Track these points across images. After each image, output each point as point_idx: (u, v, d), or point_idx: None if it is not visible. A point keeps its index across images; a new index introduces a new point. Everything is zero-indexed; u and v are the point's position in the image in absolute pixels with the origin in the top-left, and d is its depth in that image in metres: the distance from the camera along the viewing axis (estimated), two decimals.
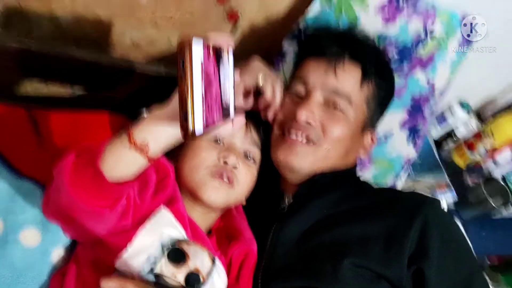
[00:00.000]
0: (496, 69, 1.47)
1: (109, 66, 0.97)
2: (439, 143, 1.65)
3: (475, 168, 1.55)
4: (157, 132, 0.62)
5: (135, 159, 0.63)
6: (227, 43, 0.62)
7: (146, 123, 0.63)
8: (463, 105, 1.56)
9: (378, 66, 0.89)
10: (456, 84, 1.42)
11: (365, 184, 0.94)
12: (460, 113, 1.56)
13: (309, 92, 0.87)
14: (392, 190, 1.00)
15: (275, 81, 0.85)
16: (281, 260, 0.80)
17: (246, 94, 0.87)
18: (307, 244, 0.80)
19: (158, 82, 1.02)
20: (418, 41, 1.03)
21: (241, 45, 1.14)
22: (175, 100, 0.61)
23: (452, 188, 1.46)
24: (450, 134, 1.61)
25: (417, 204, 0.79)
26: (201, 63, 0.51)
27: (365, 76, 0.87)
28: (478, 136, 1.55)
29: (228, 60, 0.62)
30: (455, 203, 1.48)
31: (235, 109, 0.67)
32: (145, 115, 0.91)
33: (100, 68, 0.97)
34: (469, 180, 1.54)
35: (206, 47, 0.53)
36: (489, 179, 1.48)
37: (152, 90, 1.04)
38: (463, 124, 1.58)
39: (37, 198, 0.83)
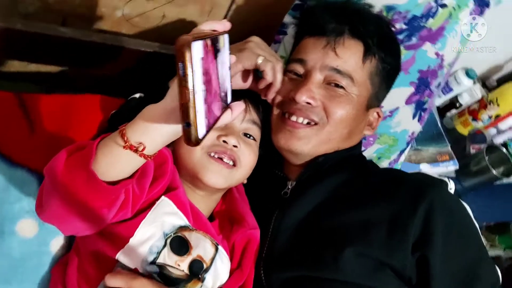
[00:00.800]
0: (502, 37, 1.42)
1: (99, 42, 0.91)
2: (441, 110, 1.62)
3: (475, 135, 1.53)
4: (152, 131, 0.58)
5: (130, 159, 0.59)
6: (224, 28, 0.58)
7: (140, 122, 0.58)
8: (469, 73, 1.51)
9: (381, 39, 0.85)
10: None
11: (370, 165, 0.91)
12: (465, 81, 1.52)
13: (308, 73, 0.83)
14: (397, 172, 0.97)
15: (275, 62, 0.80)
16: (282, 248, 0.79)
17: (245, 76, 0.83)
18: (309, 231, 0.79)
19: (151, 58, 0.96)
20: (428, 11, 0.97)
21: (239, 18, 1.07)
22: (170, 98, 0.57)
23: (454, 158, 1.45)
24: (453, 102, 1.58)
25: (422, 188, 0.77)
26: (201, 60, 0.47)
27: (367, 52, 0.83)
28: (483, 104, 1.52)
29: (224, 44, 0.58)
30: (457, 172, 1.48)
31: (232, 93, 0.63)
32: (136, 96, 0.88)
33: (90, 44, 0.91)
34: (471, 148, 1.52)
35: (204, 40, 0.49)
36: (491, 148, 1.47)
37: (144, 66, 1.00)
38: (468, 91, 1.55)
39: (32, 187, 0.81)
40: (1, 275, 0.76)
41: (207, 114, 0.49)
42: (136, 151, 0.58)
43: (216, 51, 0.54)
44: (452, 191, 0.81)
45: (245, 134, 0.82)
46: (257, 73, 0.84)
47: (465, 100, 1.55)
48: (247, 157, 0.80)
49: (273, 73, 0.80)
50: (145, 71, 0.99)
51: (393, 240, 0.73)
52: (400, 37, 0.99)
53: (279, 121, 0.85)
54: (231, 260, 0.79)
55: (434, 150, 1.44)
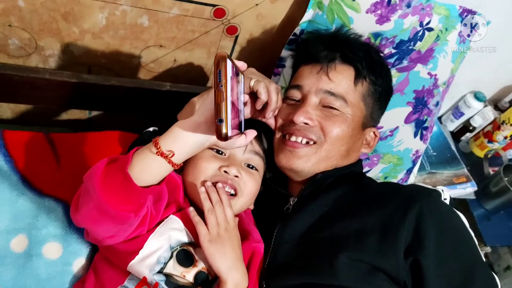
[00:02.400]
0: (508, 58, 1.45)
1: (117, 85, 1.03)
2: (455, 135, 1.63)
3: (495, 157, 1.53)
4: (181, 141, 0.68)
5: (161, 166, 0.69)
6: (242, 66, 0.70)
7: (172, 133, 0.69)
8: (477, 96, 1.54)
9: (370, 64, 0.91)
10: (469, 75, 1.42)
11: (368, 180, 0.95)
12: (475, 104, 1.54)
13: (305, 96, 0.90)
14: (391, 183, 0.99)
15: (268, 83, 0.86)
16: (283, 258, 0.83)
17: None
18: (307, 242, 0.82)
19: (163, 96, 1.07)
20: (415, 35, 1.04)
21: (242, 56, 1.18)
22: (198, 114, 0.68)
23: (472, 179, 1.44)
24: (466, 126, 1.60)
25: (413, 195, 0.80)
26: (231, 78, 0.59)
27: (358, 75, 0.89)
28: (496, 125, 1.53)
29: (241, 80, 0.70)
30: (477, 194, 1.46)
31: (245, 123, 0.74)
32: (150, 129, 0.97)
33: (110, 88, 1.03)
34: (489, 170, 1.51)
35: (233, 64, 0.61)
36: (509, 166, 1.45)
37: (157, 104, 1.11)
38: (480, 114, 1.57)
39: (58, 214, 0.89)
40: None
41: (232, 121, 0.60)
42: (166, 157, 0.68)
43: (237, 81, 0.66)
44: (447, 201, 0.83)
45: (248, 165, 0.87)
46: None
47: (478, 122, 1.56)
48: (248, 186, 0.85)
49: (267, 92, 0.84)
50: (158, 107, 1.09)
51: (384, 245, 0.75)
52: (391, 60, 1.06)
53: (280, 143, 0.91)
54: None
55: (450, 173, 1.45)
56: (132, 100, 1.08)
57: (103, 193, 0.66)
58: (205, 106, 0.68)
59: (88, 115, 1.24)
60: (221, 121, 0.57)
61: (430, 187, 0.84)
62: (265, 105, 0.86)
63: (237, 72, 0.66)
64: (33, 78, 0.97)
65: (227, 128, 0.57)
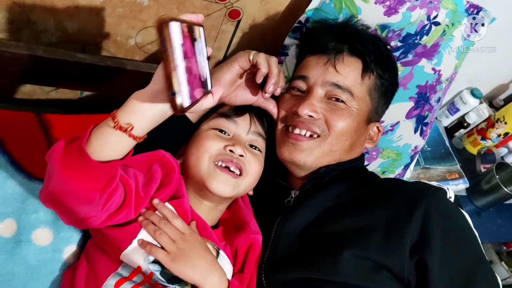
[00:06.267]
0: (507, 55, 1.45)
1: (113, 67, 0.98)
2: (450, 131, 1.64)
3: (487, 154, 1.54)
4: (140, 112, 0.63)
5: (121, 140, 0.64)
6: (197, 19, 0.64)
7: (129, 105, 0.64)
8: (474, 92, 1.54)
9: (379, 57, 0.89)
10: (466, 72, 1.41)
11: (371, 175, 0.93)
12: (471, 100, 1.54)
13: (311, 88, 0.87)
14: (396, 180, 0.98)
15: (268, 56, 0.83)
16: (283, 252, 0.81)
17: (242, 75, 0.86)
18: (309, 236, 0.81)
19: None
20: (422, 29, 1.02)
21: (244, 42, 1.14)
22: (155, 80, 0.63)
23: (464, 176, 1.45)
24: (461, 122, 1.60)
25: (419, 193, 0.79)
26: (180, 40, 0.53)
27: (365, 69, 0.87)
28: (490, 122, 1.53)
29: (199, 35, 0.64)
30: (468, 191, 1.47)
31: (211, 80, 0.69)
32: None
33: (105, 69, 0.98)
34: (481, 167, 1.52)
35: (181, 25, 0.55)
36: (501, 165, 1.46)
37: None
38: (475, 111, 1.57)
39: None
40: (19, 281, 0.79)
41: (190, 88, 0.55)
42: (125, 131, 0.63)
43: (193, 39, 0.60)
44: (452, 199, 0.82)
45: (251, 146, 0.86)
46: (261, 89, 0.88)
47: (473, 119, 1.56)
48: (253, 166, 0.84)
49: (266, 63, 0.81)
50: None
51: (389, 243, 0.74)
52: (396, 54, 1.04)
53: (283, 135, 0.89)
54: (234, 264, 0.82)
55: (444, 169, 1.45)
56: (129, 82, 1.04)
57: (63, 171, 0.62)
58: (160, 72, 0.62)
59: (79, 95, 1.20)
60: (173, 94, 0.52)
61: (435, 184, 0.83)
62: (265, 80, 0.82)
63: (191, 28, 0.60)
64: (23, 55, 0.92)
65: (182, 99, 0.53)
